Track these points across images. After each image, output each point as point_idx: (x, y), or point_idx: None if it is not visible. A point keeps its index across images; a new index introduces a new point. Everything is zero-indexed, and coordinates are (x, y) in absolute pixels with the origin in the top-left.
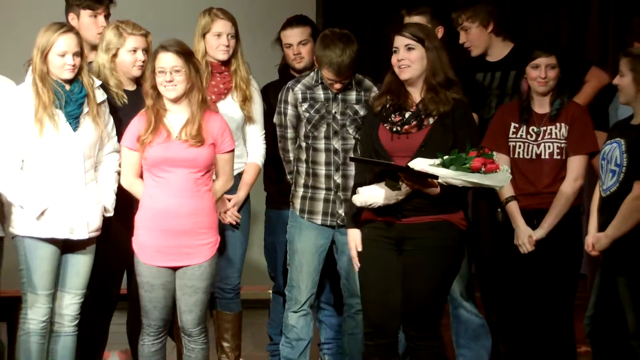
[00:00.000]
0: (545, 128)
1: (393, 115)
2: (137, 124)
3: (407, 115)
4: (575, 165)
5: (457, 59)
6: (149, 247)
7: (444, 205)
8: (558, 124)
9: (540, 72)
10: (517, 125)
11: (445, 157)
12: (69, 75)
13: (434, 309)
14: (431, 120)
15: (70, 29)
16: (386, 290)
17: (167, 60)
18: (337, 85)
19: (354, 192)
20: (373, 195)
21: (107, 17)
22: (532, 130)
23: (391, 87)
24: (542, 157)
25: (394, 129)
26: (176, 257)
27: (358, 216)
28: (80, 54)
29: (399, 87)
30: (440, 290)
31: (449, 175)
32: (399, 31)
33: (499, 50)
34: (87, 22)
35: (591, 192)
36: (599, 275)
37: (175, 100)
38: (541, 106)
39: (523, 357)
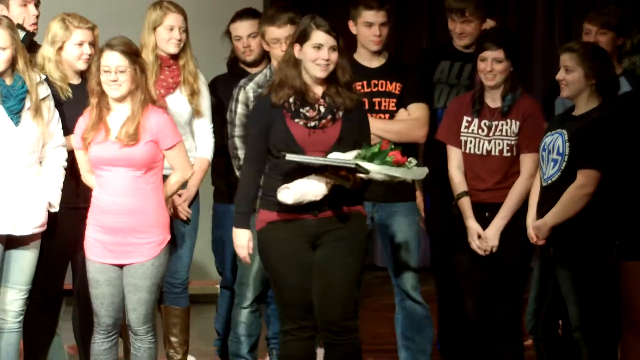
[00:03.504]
0: (496, 123)
1: (306, 110)
2: (82, 124)
3: (322, 109)
4: (529, 163)
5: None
6: (94, 243)
7: (350, 197)
8: (509, 120)
9: (487, 65)
10: (469, 119)
11: (361, 151)
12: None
13: (351, 298)
14: (340, 114)
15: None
16: (305, 290)
17: (113, 60)
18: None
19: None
20: (306, 191)
21: (37, 5)
22: (484, 124)
23: (291, 80)
24: (492, 153)
25: (311, 124)
26: (118, 254)
27: (248, 215)
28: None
29: (299, 81)
30: (355, 280)
31: (376, 170)
32: (322, 27)
33: None
34: (18, 11)
35: None
36: (538, 269)
37: (119, 100)
38: (493, 100)
39: (472, 349)
